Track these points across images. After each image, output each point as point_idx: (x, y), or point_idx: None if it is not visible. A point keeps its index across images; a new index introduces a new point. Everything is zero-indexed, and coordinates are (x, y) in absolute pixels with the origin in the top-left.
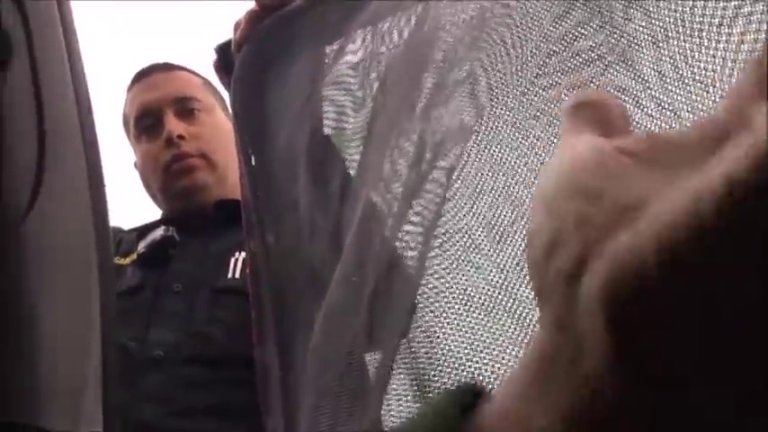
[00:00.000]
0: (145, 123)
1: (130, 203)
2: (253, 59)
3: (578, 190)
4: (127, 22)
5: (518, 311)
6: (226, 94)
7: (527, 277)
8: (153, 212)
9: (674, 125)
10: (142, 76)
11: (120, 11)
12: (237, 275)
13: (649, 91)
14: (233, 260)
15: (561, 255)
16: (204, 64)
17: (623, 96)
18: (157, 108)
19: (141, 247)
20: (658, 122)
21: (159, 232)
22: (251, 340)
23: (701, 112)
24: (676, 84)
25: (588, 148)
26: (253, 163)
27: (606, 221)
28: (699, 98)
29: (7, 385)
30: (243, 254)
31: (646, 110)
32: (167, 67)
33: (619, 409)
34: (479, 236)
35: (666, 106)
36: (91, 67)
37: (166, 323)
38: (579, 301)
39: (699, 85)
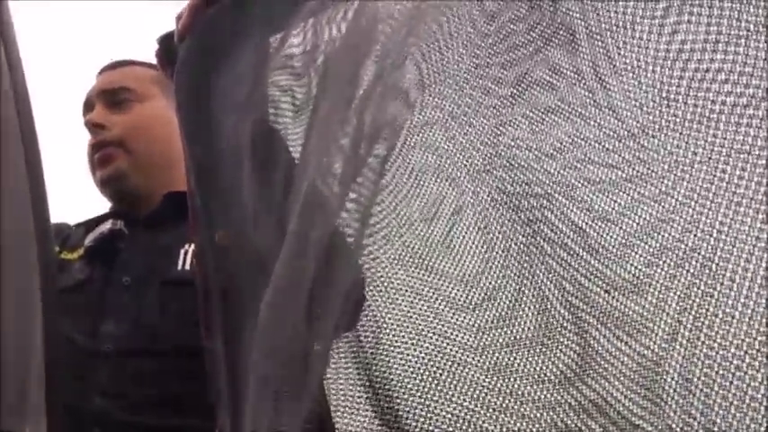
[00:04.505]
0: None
1: (75, 200)
2: (196, 50)
3: None
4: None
5: (465, 300)
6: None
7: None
8: (98, 208)
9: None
10: (97, 76)
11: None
12: (188, 267)
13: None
14: (182, 252)
15: None
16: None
17: (557, 77)
18: (91, 103)
19: (89, 240)
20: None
21: (107, 225)
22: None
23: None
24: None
25: None
26: (197, 153)
27: None
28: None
29: None
30: (193, 245)
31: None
32: (116, 65)
33: None
34: (421, 227)
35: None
36: (36, 62)
37: (115, 316)
38: None
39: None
